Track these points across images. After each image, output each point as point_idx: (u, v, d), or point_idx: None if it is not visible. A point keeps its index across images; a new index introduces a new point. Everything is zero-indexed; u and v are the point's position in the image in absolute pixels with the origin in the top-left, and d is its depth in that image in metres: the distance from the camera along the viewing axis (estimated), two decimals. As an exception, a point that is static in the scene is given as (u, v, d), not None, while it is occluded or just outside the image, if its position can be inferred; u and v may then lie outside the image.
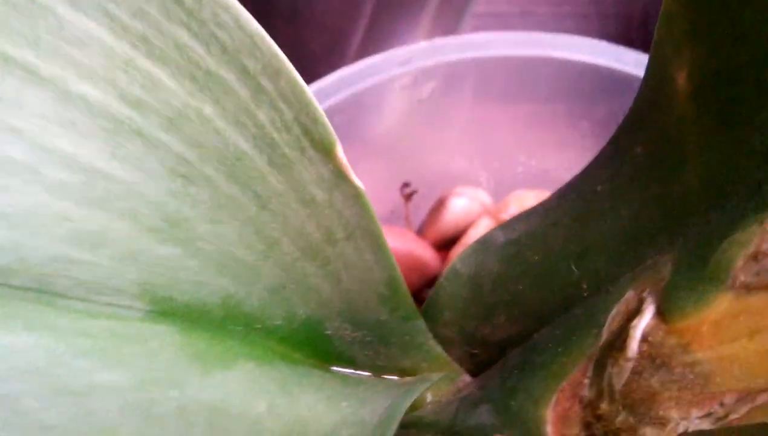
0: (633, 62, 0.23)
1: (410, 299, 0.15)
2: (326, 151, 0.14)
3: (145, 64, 0.13)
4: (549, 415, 0.12)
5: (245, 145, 0.14)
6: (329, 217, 0.14)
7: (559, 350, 0.12)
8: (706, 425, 0.10)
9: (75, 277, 0.13)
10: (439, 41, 0.22)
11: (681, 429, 0.10)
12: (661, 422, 0.11)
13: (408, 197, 0.28)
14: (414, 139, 0.25)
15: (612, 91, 0.24)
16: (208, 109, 0.13)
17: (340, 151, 0.14)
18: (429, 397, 0.16)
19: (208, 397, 0.13)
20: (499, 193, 0.26)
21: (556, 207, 0.14)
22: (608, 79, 0.24)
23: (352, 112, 0.22)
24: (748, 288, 0.10)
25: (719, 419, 0.10)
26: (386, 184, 0.27)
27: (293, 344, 0.15)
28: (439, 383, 0.15)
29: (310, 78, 0.24)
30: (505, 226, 0.15)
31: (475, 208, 0.28)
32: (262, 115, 0.14)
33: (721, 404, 0.10)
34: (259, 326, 0.15)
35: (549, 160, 0.25)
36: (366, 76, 0.22)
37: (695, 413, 0.10)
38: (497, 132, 0.26)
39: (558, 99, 0.25)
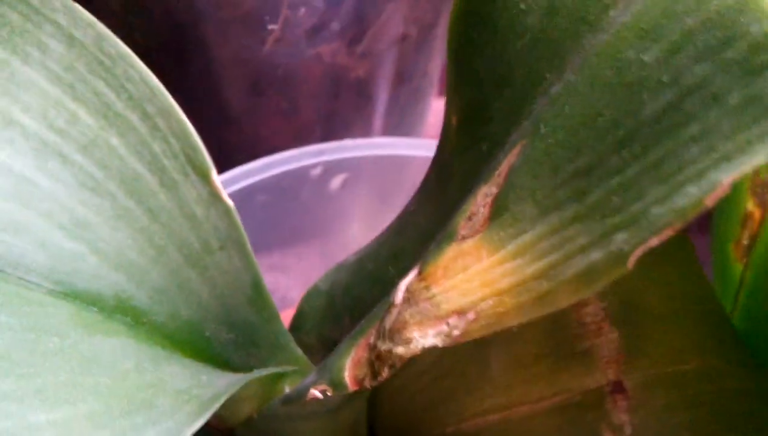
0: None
1: (273, 302, 0.19)
2: (204, 176, 0.19)
3: (70, 104, 0.18)
4: (347, 363, 0.16)
5: (142, 169, 0.19)
6: (207, 230, 0.19)
7: (364, 322, 0.17)
8: (438, 341, 0.14)
9: (-4, 252, 0.17)
10: (349, 142, 0.27)
11: (420, 345, 0.14)
12: (407, 342, 0.15)
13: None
14: (341, 225, 0.30)
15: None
16: (115, 140, 0.19)
17: (214, 175, 0.19)
18: (287, 389, 0.19)
19: (83, 349, 0.17)
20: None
21: (388, 228, 0.19)
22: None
23: (274, 193, 0.27)
24: (464, 238, 0.15)
25: (447, 335, 0.14)
26: (318, 268, 0.32)
27: (176, 342, 0.20)
28: (295, 377, 0.19)
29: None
30: (357, 251, 0.20)
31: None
32: (156, 147, 0.19)
33: (447, 324, 0.14)
34: (146, 321, 0.19)
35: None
36: (284, 164, 0.27)
37: (431, 332, 0.14)
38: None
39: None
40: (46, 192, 0.18)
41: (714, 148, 0.11)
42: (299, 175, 0.27)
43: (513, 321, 0.14)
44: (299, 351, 0.20)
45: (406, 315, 0.15)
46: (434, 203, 0.17)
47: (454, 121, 0.17)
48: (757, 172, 0.23)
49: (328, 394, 0.16)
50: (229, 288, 0.19)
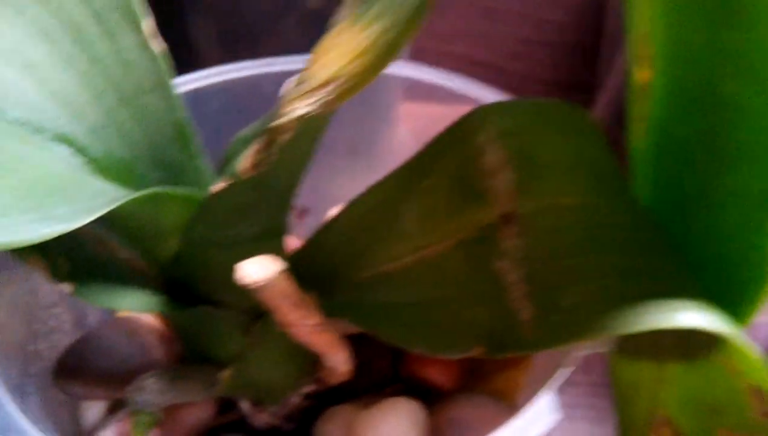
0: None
1: (196, 141, 0.22)
2: (136, 24, 0.22)
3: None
4: (247, 154, 0.19)
5: (86, 20, 0.22)
6: (139, 74, 0.22)
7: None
8: (313, 107, 0.17)
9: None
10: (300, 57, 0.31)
11: (297, 113, 0.17)
12: (287, 113, 0.17)
13: (301, 215, 0.35)
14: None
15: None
16: (64, -5, 0.22)
17: (146, 24, 0.22)
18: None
19: (15, 147, 0.20)
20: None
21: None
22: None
23: (228, 101, 0.30)
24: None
25: (321, 102, 0.17)
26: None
27: (112, 177, 0.22)
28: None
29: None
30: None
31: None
32: (99, 1, 0.22)
33: (322, 92, 0.17)
34: (85, 154, 0.22)
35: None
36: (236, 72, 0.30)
37: (307, 101, 0.17)
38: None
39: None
40: (3, 37, 0.21)
41: None
42: (251, 86, 0.31)
43: (373, 76, 0.17)
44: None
45: (287, 98, 0.18)
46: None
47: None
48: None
49: (231, 182, 0.19)
50: (157, 128, 0.22)
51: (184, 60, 0.34)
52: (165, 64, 0.22)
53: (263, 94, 0.31)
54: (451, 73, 0.32)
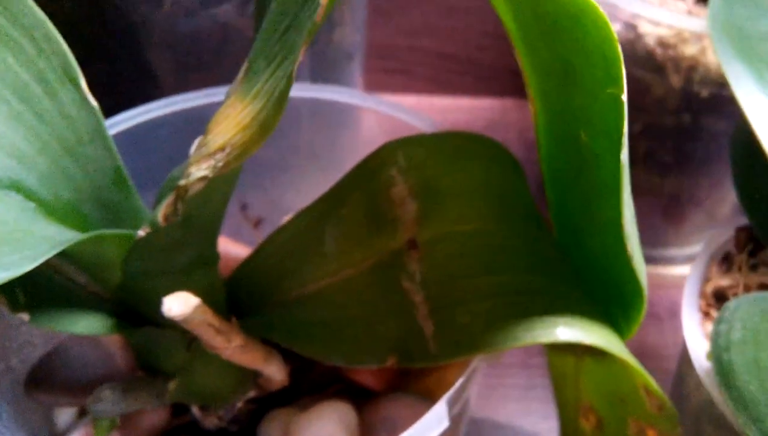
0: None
1: (131, 183, 0.25)
2: (75, 83, 0.25)
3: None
4: (161, 208, 0.22)
5: (30, 81, 0.25)
6: (79, 126, 0.25)
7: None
8: (207, 172, 0.20)
9: None
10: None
11: (194, 176, 0.20)
12: (188, 176, 0.20)
13: (256, 224, 0.38)
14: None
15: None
16: (10, 59, 0.25)
17: (83, 83, 0.25)
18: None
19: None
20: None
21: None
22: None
23: (179, 128, 0.33)
24: (230, 96, 0.20)
25: (214, 167, 0.20)
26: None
27: (60, 218, 0.26)
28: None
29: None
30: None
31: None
32: (41, 63, 0.25)
33: (214, 159, 0.20)
34: (35, 199, 0.25)
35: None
36: (188, 102, 0.33)
37: (203, 167, 0.20)
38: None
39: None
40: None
41: None
42: (198, 114, 0.33)
43: (254, 148, 0.20)
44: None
45: (191, 159, 0.21)
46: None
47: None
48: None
49: (149, 230, 0.22)
50: (97, 173, 0.25)
51: (147, 90, 0.37)
52: (101, 117, 0.25)
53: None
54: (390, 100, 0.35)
